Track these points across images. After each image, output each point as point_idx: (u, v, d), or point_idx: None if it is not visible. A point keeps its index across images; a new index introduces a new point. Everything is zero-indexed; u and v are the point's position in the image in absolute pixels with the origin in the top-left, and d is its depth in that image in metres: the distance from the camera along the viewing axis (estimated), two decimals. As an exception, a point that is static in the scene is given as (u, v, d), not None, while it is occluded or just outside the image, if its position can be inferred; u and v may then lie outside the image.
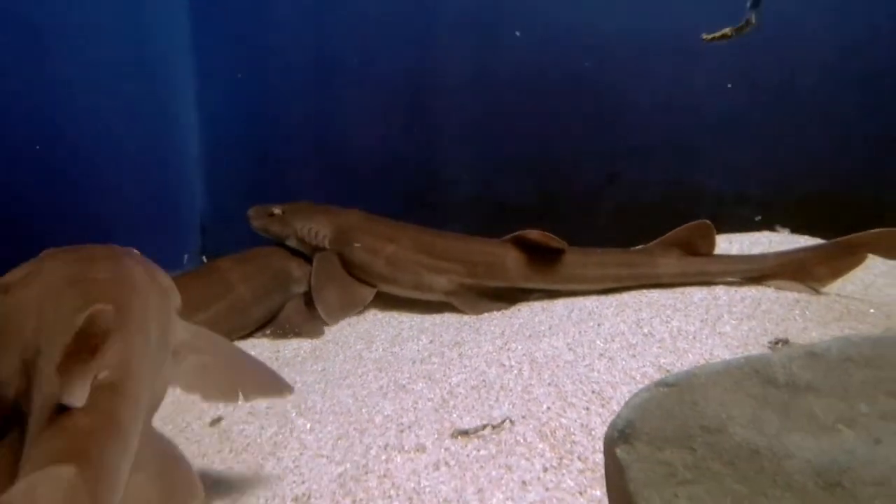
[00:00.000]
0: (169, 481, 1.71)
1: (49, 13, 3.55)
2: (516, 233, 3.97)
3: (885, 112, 4.25)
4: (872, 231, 3.50)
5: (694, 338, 2.96)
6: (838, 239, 3.60)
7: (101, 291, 1.86)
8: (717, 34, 3.09)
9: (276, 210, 4.37)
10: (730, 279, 3.76)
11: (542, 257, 3.90)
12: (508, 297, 3.96)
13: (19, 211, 3.43)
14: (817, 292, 3.52)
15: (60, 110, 3.63)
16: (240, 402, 2.88)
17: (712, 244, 3.82)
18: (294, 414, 2.72)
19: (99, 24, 3.89)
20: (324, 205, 4.47)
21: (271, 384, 2.28)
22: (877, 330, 2.94)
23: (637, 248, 4.00)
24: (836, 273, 3.58)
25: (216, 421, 2.74)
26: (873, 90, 4.23)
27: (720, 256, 3.88)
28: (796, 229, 4.41)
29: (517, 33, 4.34)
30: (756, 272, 3.70)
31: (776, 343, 2.82)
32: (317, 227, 4.30)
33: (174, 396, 3.02)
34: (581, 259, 3.89)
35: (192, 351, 2.14)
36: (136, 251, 2.30)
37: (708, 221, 3.82)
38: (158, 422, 2.80)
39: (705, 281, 3.74)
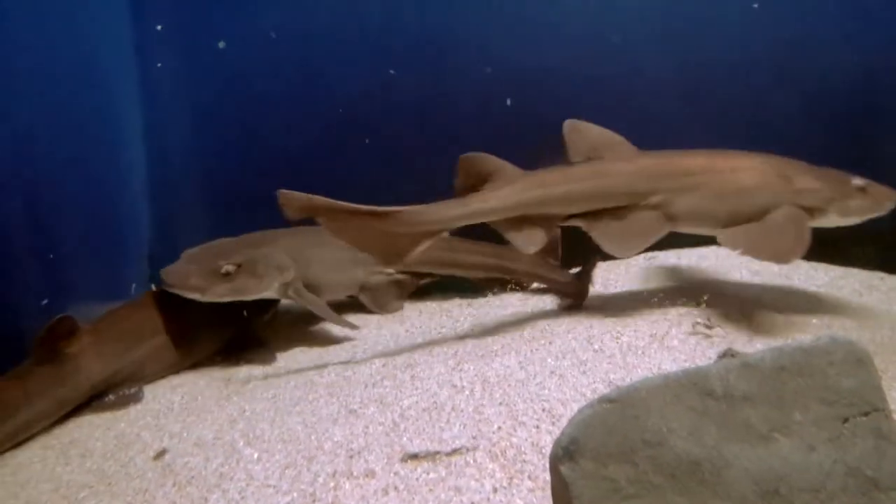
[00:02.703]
0: None
1: None
2: None
3: (847, 119, 4.35)
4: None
5: (643, 353, 2.99)
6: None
7: None
8: None
9: (228, 266, 3.61)
10: (559, 289, 4.14)
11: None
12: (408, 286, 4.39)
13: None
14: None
15: (3, 145, 3.55)
16: (184, 435, 2.85)
17: (558, 252, 4.20)
18: (242, 443, 2.66)
19: (43, 59, 3.82)
20: (262, 234, 4.04)
21: None
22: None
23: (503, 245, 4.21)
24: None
25: (160, 454, 2.66)
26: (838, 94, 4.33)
27: (559, 268, 4.20)
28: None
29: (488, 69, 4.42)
30: (572, 289, 4.01)
31: (724, 356, 2.85)
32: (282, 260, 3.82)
33: (117, 431, 2.95)
34: (463, 246, 4.16)
35: None
36: None
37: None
38: (99, 458, 2.73)
39: (545, 282, 4.22)
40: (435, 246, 4.01)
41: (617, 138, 3.71)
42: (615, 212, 3.51)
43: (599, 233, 3.48)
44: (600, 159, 3.61)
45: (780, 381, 1.57)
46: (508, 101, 4.51)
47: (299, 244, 3.98)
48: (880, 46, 4.27)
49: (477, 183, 3.57)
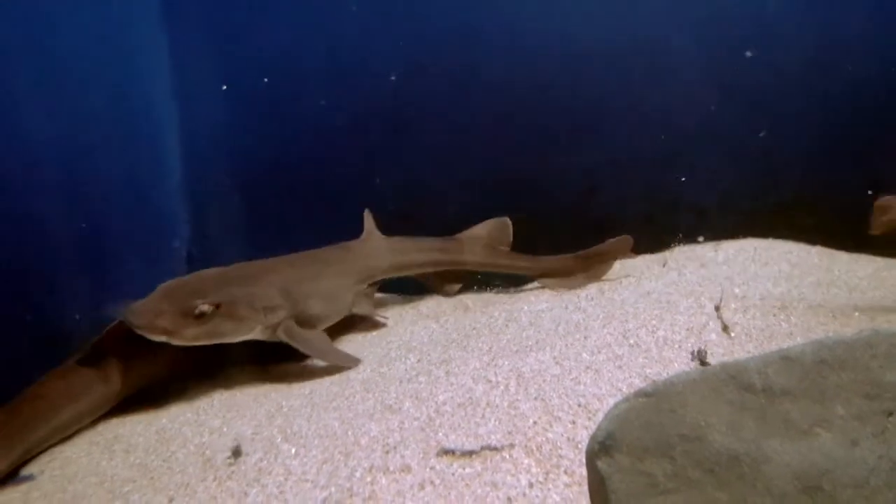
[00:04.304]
0: None
1: (31, 53, 3.56)
2: None
3: (864, 116, 4.29)
4: (610, 241, 4.29)
5: (680, 347, 2.96)
6: (591, 249, 4.33)
7: None
8: None
9: (204, 307, 3.19)
10: (518, 273, 4.46)
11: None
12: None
13: (8, 244, 3.42)
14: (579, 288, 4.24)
15: (46, 148, 3.64)
16: (224, 430, 2.90)
17: (509, 238, 4.42)
18: (280, 439, 2.70)
19: (82, 64, 3.92)
20: (238, 267, 3.71)
21: None
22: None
23: (450, 237, 4.46)
24: (594, 277, 4.33)
25: (236, 453, 2.56)
26: (852, 95, 4.27)
27: (511, 253, 4.45)
28: (780, 235, 4.43)
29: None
30: (534, 270, 4.45)
31: (697, 353, 2.78)
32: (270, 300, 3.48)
33: (159, 426, 3.02)
34: (409, 246, 4.32)
35: None
36: None
37: (507, 219, 4.42)
38: (142, 453, 2.79)
39: (499, 272, 4.46)
40: (395, 249, 4.27)
41: None
42: None
43: None
44: None
45: (821, 374, 1.54)
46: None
47: (294, 278, 3.70)
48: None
49: None
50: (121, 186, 4.30)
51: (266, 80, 4.67)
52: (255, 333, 3.38)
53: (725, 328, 3.08)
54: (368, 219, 4.40)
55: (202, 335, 3.19)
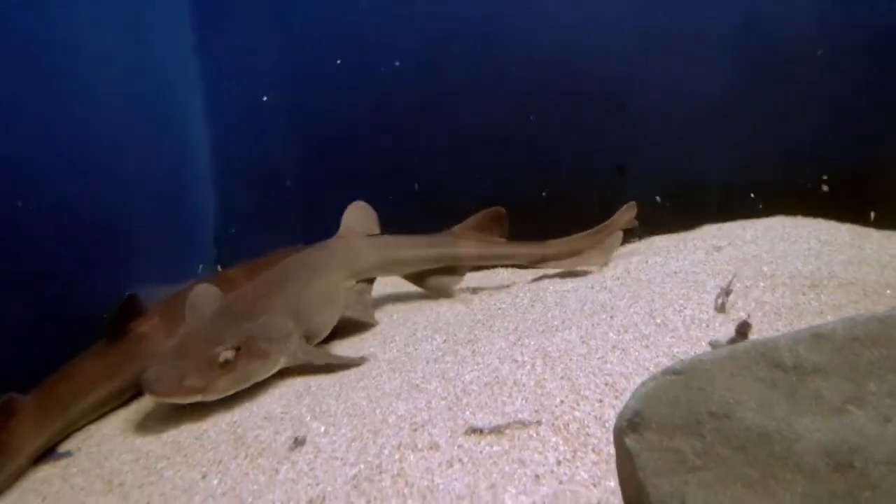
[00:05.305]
0: None
1: (62, 48, 3.64)
2: None
3: (893, 93, 4.19)
4: (618, 212, 4.21)
5: (707, 326, 2.94)
6: (599, 226, 4.22)
7: None
8: None
9: (227, 353, 2.98)
10: (519, 262, 4.33)
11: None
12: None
13: (46, 224, 3.50)
14: (595, 270, 4.14)
15: (82, 140, 3.70)
16: (254, 409, 2.95)
17: (504, 228, 4.26)
18: (309, 417, 2.74)
19: (111, 56, 3.97)
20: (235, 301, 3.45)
21: None
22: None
23: (441, 233, 4.31)
24: (606, 252, 4.21)
25: (297, 443, 2.51)
26: (880, 72, 4.17)
27: (509, 242, 4.30)
28: (808, 215, 4.36)
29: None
30: (539, 257, 4.28)
31: (740, 326, 2.74)
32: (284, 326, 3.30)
33: (190, 405, 3.08)
34: (396, 242, 4.19)
35: None
36: None
37: (501, 208, 4.23)
38: (175, 431, 2.85)
39: (499, 263, 4.35)
40: (380, 246, 4.13)
41: None
42: None
43: None
44: None
45: (853, 352, 1.52)
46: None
47: (293, 293, 3.54)
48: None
49: None
50: (152, 174, 4.37)
51: (291, 66, 4.67)
52: (280, 364, 3.20)
53: (722, 308, 3.06)
54: (351, 214, 4.22)
55: (233, 383, 2.98)
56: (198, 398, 2.89)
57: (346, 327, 3.88)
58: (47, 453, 2.93)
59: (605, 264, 4.25)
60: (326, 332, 3.65)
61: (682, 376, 1.61)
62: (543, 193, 4.53)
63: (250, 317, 3.24)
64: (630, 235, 4.30)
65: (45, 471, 2.81)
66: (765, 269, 3.55)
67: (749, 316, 2.84)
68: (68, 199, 3.52)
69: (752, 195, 4.44)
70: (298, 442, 2.51)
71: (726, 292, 3.13)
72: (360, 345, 3.64)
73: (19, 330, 3.16)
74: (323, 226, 4.66)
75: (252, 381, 3.06)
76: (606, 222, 4.28)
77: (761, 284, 3.31)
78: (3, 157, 3.13)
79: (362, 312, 3.92)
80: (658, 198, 4.44)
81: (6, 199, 3.17)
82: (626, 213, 4.26)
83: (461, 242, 4.21)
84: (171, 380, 2.86)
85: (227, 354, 2.96)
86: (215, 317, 3.28)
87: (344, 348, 3.66)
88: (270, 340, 3.15)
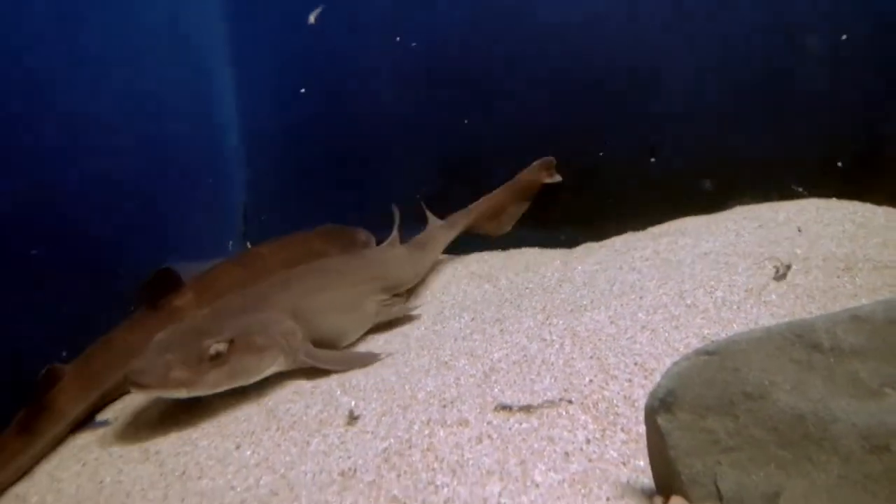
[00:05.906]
0: None
1: (114, 35, 3.80)
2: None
3: None
4: (528, 168, 4.45)
5: (738, 308, 2.91)
6: (507, 183, 4.49)
7: None
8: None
9: (219, 346, 2.77)
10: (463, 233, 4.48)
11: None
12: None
13: (87, 204, 3.59)
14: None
15: (122, 116, 3.83)
16: (285, 382, 2.99)
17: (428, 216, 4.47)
18: (339, 392, 2.78)
19: (154, 46, 4.15)
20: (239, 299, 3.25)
21: None
22: (931, 295, 2.85)
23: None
24: (521, 205, 4.56)
25: (353, 419, 2.50)
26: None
27: (450, 220, 4.47)
28: (843, 195, 4.27)
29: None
30: (465, 226, 4.47)
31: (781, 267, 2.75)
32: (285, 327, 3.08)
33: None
34: (431, 243, 4.31)
35: None
36: None
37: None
38: (208, 404, 2.90)
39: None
40: (414, 261, 4.20)
41: None
42: None
43: None
44: None
45: (891, 334, 1.50)
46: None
47: (300, 292, 3.36)
48: None
49: None
50: (186, 149, 4.47)
51: (322, 45, 4.66)
52: (280, 364, 3.00)
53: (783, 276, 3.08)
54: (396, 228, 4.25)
55: (224, 379, 2.78)
56: (183, 393, 2.70)
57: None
58: (86, 421, 3.01)
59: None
60: (344, 341, 3.43)
61: (717, 356, 1.61)
62: (575, 172, 4.51)
63: (247, 311, 3.08)
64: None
65: (84, 438, 2.89)
66: (797, 251, 3.50)
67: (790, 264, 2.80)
68: (112, 174, 3.64)
69: (784, 178, 4.36)
70: (353, 416, 2.51)
71: (787, 265, 3.12)
72: (389, 324, 3.67)
73: (65, 296, 3.24)
74: (349, 205, 4.70)
75: (247, 379, 2.87)
76: (521, 174, 4.49)
77: (794, 267, 3.27)
78: (62, 127, 3.33)
79: (391, 315, 3.72)
80: (691, 179, 4.37)
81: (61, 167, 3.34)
82: (544, 165, 4.47)
83: (428, 246, 4.34)
84: (156, 372, 2.66)
85: (219, 347, 2.75)
86: (215, 309, 3.13)
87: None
88: (268, 336, 2.95)
